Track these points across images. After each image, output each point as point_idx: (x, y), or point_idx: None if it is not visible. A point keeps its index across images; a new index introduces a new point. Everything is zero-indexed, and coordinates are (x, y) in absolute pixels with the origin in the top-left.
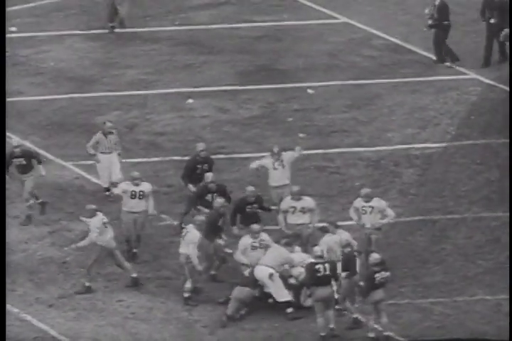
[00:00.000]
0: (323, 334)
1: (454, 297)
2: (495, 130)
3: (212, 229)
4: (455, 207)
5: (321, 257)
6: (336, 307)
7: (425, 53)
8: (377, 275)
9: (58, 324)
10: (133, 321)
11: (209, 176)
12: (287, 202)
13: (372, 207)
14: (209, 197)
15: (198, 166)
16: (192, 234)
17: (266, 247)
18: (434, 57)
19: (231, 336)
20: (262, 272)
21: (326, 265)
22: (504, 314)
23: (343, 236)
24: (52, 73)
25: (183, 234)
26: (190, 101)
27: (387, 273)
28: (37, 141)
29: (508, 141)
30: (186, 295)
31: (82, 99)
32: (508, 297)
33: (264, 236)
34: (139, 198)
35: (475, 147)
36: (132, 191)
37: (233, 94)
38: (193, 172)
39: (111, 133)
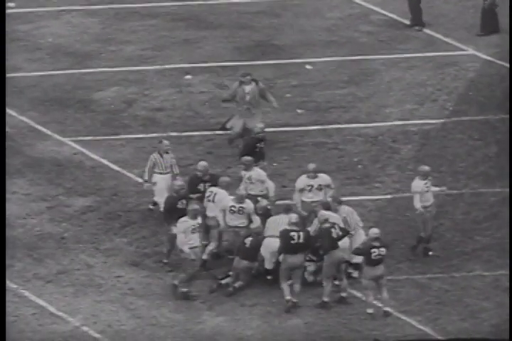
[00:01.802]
0: (288, 298)
1: (452, 273)
2: (493, 106)
3: (171, 212)
4: (453, 182)
5: (295, 225)
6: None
7: (423, 29)
8: (373, 250)
9: (56, 300)
10: (131, 297)
11: (203, 165)
12: (304, 181)
13: (430, 181)
14: (201, 186)
15: (258, 145)
16: (220, 193)
17: (244, 214)
18: (410, 22)
19: (230, 312)
20: (275, 243)
21: (301, 233)
22: (502, 290)
23: (324, 212)
24: (51, 49)
25: (210, 197)
26: (189, 77)
27: (384, 249)
28: (35, 116)
29: (506, 116)
30: (205, 257)
31: (81, 75)
32: (507, 273)
33: (247, 204)
34: (198, 231)
35: (473, 123)
36: (192, 225)
37: (231, 70)
38: (252, 151)
39: (167, 152)
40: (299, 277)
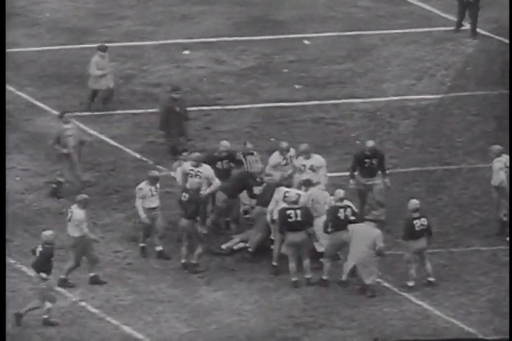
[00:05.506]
0: (294, 279)
1: (450, 248)
2: (491, 81)
3: (238, 188)
4: (451, 158)
5: (294, 203)
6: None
7: (421, 4)
8: (416, 221)
9: (54, 275)
10: (129, 272)
11: (225, 145)
12: (299, 161)
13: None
14: (219, 164)
15: (366, 160)
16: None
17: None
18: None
19: (228, 287)
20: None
21: (298, 211)
22: (500, 265)
23: (340, 190)
24: (49, 24)
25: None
26: (187, 52)
27: (425, 219)
28: (33, 92)
29: (505, 92)
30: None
31: (79, 50)
32: (505, 248)
33: (292, 152)
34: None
35: (471, 98)
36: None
37: (229, 45)
38: (361, 165)
39: (251, 154)
40: (303, 254)
